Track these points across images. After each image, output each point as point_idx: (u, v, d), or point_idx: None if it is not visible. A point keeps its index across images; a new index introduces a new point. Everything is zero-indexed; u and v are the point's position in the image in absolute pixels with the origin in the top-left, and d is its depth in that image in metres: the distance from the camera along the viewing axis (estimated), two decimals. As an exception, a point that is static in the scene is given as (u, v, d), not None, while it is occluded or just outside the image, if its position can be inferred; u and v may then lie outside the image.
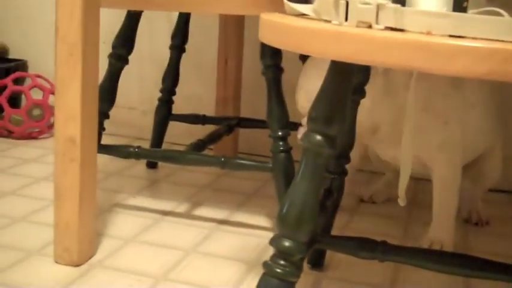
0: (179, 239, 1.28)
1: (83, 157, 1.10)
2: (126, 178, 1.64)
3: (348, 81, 0.73)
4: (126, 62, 1.34)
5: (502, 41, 0.62)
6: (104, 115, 1.32)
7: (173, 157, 1.30)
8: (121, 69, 1.34)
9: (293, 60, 1.55)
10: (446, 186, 1.26)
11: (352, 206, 1.54)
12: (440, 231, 1.27)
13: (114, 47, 1.33)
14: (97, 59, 1.11)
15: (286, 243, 0.74)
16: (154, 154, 1.32)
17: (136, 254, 1.21)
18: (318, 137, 0.73)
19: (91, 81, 1.10)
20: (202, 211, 1.44)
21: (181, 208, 1.45)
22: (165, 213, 1.42)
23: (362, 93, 1.06)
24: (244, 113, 1.82)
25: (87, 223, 1.14)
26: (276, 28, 0.74)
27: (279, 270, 0.75)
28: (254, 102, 1.85)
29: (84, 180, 1.11)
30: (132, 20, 1.33)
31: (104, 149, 1.30)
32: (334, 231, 1.17)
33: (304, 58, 1.56)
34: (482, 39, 0.63)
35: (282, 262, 0.75)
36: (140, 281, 1.09)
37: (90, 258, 1.16)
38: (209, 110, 1.87)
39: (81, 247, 1.13)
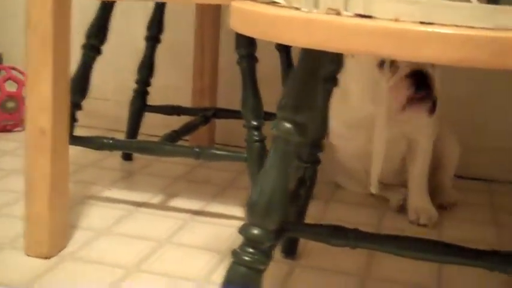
0: (153, 230, 1.27)
1: (54, 149, 1.09)
2: (100, 170, 1.63)
3: (317, 69, 0.73)
4: (99, 52, 1.32)
5: (471, 27, 0.62)
6: (76, 106, 1.30)
7: (147, 148, 1.29)
8: (94, 59, 1.32)
9: (268, 50, 1.54)
10: (427, 156, 1.42)
11: (327, 195, 1.54)
12: (421, 200, 1.40)
13: (87, 37, 1.31)
14: (69, 49, 1.09)
15: (255, 231, 0.74)
16: (127, 145, 1.32)
17: (108, 245, 1.19)
18: (287, 125, 0.72)
19: (63, 71, 1.09)
20: (177, 202, 1.44)
21: (156, 199, 1.44)
22: (140, 204, 1.41)
23: (334, 82, 1.06)
24: (221, 103, 1.80)
25: (59, 215, 1.13)
26: (246, 16, 0.73)
27: (247, 258, 0.74)
28: (231, 92, 1.83)
29: (55, 172, 1.10)
30: (106, 9, 1.31)
31: (76, 140, 1.29)
32: (310, 220, 1.17)
33: (280, 48, 1.56)
34: (451, 25, 0.62)
35: (250, 250, 0.75)
36: (112, 273, 1.08)
37: (61, 250, 1.15)
38: (186, 101, 1.85)
39: (52, 239, 1.11)
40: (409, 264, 1.18)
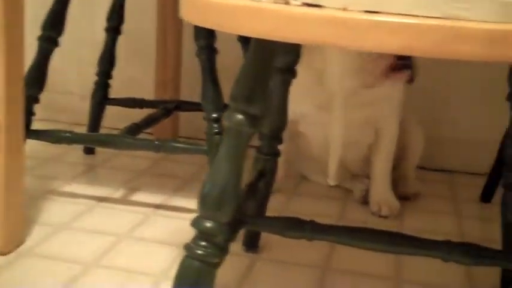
0: (113, 225, 1.25)
1: (9, 143, 1.07)
2: (61, 164, 1.60)
3: (269, 59, 0.72)
4: (57, 44, 1.30)
5: (417, 16, 0.62)
6: (33, 99, 1.28)
7: (106, 141, 1.27)
8: (51, 51, 1.29)
9: (229, 41, 1.53)
10: (391, 147, 1.43)
11: (291, 188, 1.54)
12: (384, 192, 1.41)
13: (43, 28, 1.29)
14: (22, 41, 1.07)
15: (208, 224, 0.73)
16: (86, 138, 1.30)
17: (67, 240, 1.18)
18: (239, 116, 0.71)
19: (16, 64, 1.06)
20: (138, 196, 1.42)
21: (118, 194, 1.42)
22: (101, 199, 1.39)
23: (292, 74, 1.05)
24: (185, 96, 1.78)
25: (14, 211, 1.10)
26: (195, 5, 0.72)
27: (200, 252, 0.73)
28: (195, 84, 1.81)
29: (9, 167, 1.07)
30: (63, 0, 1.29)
31: (33, 134, 1.26)
32: (272, 213, 1.16)
33: (242, 39, 1.54)
34: (397, 14, 0.62)
35: (203, 243, 0.73)
36: (70, 268, 1.07)
37: (19, 246, 1.13)
38: (148, 94, 1.83)
39: (7, 235, 1.09)
40: (370, 255, 1.19)
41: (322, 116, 1.34)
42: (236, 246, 1.18)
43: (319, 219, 0.91)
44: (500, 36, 0.57)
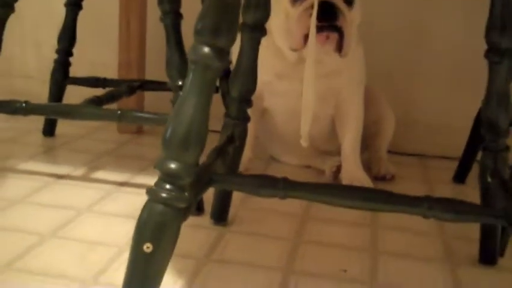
0: (73, 200, 1.18)
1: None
2: (19, 145, 1.52)
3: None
4: (12, 9, 1.22)
5: None
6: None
7: (65, 111, 1.20)
8: (6, 17, 1.22)
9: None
10: (359, 122, 1.39)
11: (261, 170, 1.49)
12: (355, 169, 1.37)
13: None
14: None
15: (172, 165, 0.67)
16: (44, 109, 1.22)
17: (23, 214, 1.10)
18: (206, 49, 0.65)
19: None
20: (100, 174, 1.35)
21: (78, 172, 1.35)
22: (60, 176, 1.31)
23: (262, 31, 1.00)
24: (151, 75, 1.71)
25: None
26: None
27: (164, 195, 0.67)
28: (162, 65, 1.75)
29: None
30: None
31: (-13, 105, 1.19)
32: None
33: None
34: None
35: (167, 186, 0.67)
36: (25, 239, 0.99)
37: (-30, 219, 1.05)
38: (113, 75, 1.76)
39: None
40: (343, 228, 1.15)
41: (282, 86, 1.31)
42: (204, 220, 1.12)
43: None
44: None
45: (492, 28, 0.94)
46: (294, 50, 1.26)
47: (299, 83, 1.14)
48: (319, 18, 1.17)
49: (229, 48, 0.69)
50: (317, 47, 1.17)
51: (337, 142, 1.41)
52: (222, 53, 0.66)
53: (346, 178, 1.36)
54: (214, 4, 0.66)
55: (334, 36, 1.23)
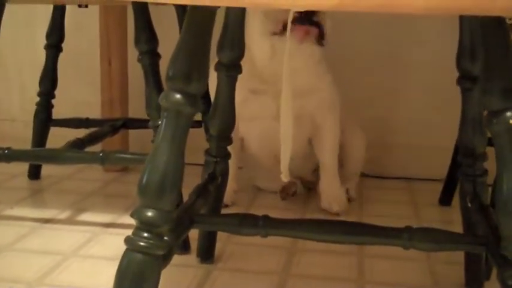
0: (59, 245, 1.18)
1: None
2: (4, 190, 1.52)
3: (206, 33, 0.68)
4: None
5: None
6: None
7: (48, 156, 1.21)
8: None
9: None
10: (335, 143, 1.42)
11: (247, 201, 1.49)
12: (334, 187, 1.41)
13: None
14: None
15: (149, 213, 0.67)
16: (26, 155, 1.22)
17: (10, 262, 1.10)
18: (177, 96, 0.66)
19: None
20: (86, 216, 1.35)
21: (64, 215, 1.35)
22: (46, 220, 1.31)
23: (238, 69, 1.01)
24: (134, 113, 1.72)
25: None
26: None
27: (142, 244, 0.67)
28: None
29: None
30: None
31: (-31, 153, 1.19)
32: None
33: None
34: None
35: (145, 234, 0.68)
36: (11, 288, 0.99)
37: (-45, 270, 1.05)
38: (96, 113, 1.76)
39: None
40: (330, 258, 1.15)
41: (257, 102, 1.34)
42: (190, 258, 1.12)
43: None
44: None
45: (462, 55, 0.96)
46: (274, 34, 1.26)
47: (273, 100, 1.16)
48: (300, 18, 1.20)
49: (201, 93, 0.70)
50: (297, 40, 1.21)
51: (312, 165, 1.45)
52: (194, 98, 0.67)
53: (324, 197, 1.41)
54: (184, 49, 0.67)
55: (313, 30, 1.25)
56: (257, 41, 1.29)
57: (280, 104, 0.93)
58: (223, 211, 1.27)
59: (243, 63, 1.15)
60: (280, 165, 0.99)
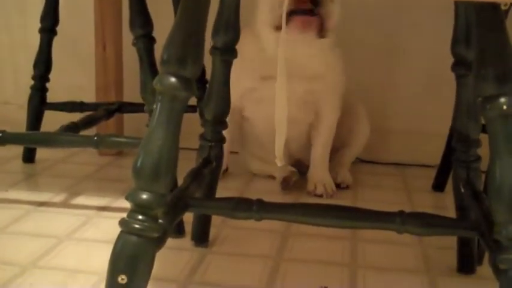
0: (53, 228, 1.18)
1: None
2: (-1, 173, 1.52)
3: (200, 17, 0.68)
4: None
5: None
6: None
7: (42, 139, 1.21)
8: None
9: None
10: (332, 129, 1.44)
11: (242, 186, 1.49)
12: (321, 172, 1.43)
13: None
14: None
15: (144, 196, 0.68)
16: (21, 138, 1.22)
17: (3, 244, 1.10)
18: (172, 79, 0.67)
19: None
20: (81, 200, 1.35)
21: (58, 198, 1.35)
22: (40, 204, 1.31)
23: (233, 53, 1.01)
24: (129, 97, 1.71)
25: None
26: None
27: (137, 226, 0.68)
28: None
29: None
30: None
31: (-37, 136, 1.19)
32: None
33: None
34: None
35: (140, 217, 0.68)
36: (4, 270, 0.99)
37: (-51, 252, 1.05)
38: (91, 98, 1.75)
39: None
40: (323, 242, 1.16)
41: (267, 89, 1.31)
42: (185, 242, 1.13)
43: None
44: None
45: (457, 41, 0.96)
46: (277, 29, 1.24)
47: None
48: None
49: (196, 77, 0.70)
50: (297, 31, 1.22)
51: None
52: (189, 82, 0.67)
53: (312, 178, 1.43)
54: (179, 32, 0.67)
55: (313, 21, 1.24)
56: (264, 32, 1.31)
57: (276, 91, 0.93)
58: (223, 176, 1.31)
59: (254, 51, 1.16)
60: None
